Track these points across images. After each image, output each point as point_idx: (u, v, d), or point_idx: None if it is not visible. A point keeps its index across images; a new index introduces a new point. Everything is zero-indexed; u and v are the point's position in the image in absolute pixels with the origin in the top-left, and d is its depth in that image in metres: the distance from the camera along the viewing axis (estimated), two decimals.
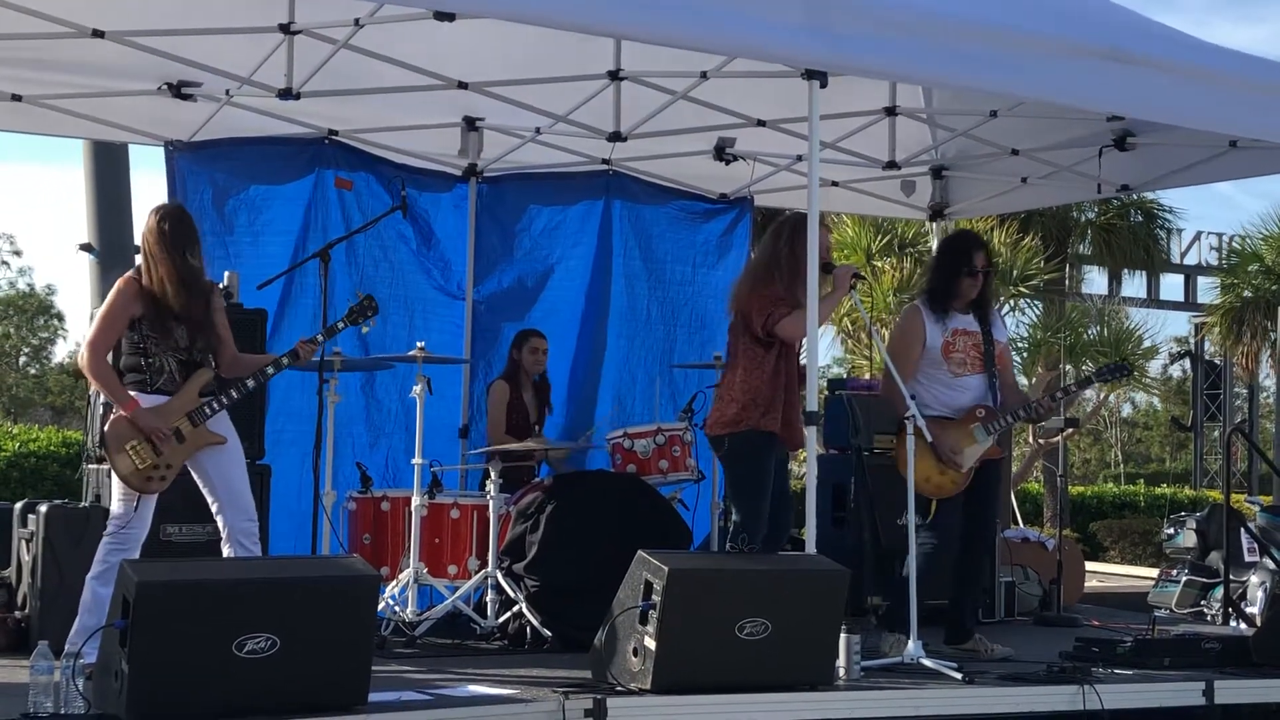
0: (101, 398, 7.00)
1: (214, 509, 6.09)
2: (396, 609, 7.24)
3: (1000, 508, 8.06)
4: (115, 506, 6.04)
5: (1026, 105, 8.45)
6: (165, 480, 6.00)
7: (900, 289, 18.20)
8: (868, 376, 12.34)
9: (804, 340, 6.57)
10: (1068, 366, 17.27)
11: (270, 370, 6.30)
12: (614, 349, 9.73)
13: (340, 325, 6.58)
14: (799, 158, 9.15)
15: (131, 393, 6.01)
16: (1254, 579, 9.65)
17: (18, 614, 6.90)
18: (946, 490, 7.15)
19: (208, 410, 6.05)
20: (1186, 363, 27.49)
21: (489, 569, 7.31)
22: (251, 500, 6.13)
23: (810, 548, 6.24)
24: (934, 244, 10.71)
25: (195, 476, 6.11)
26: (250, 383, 6.23)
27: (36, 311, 45.56)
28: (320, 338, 6.47)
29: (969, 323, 7.32)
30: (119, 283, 6.12)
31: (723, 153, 9.13)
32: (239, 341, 6.46)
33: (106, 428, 6.02)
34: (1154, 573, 12.14)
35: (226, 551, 6.04)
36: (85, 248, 12.37)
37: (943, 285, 7.30)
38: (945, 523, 7.18)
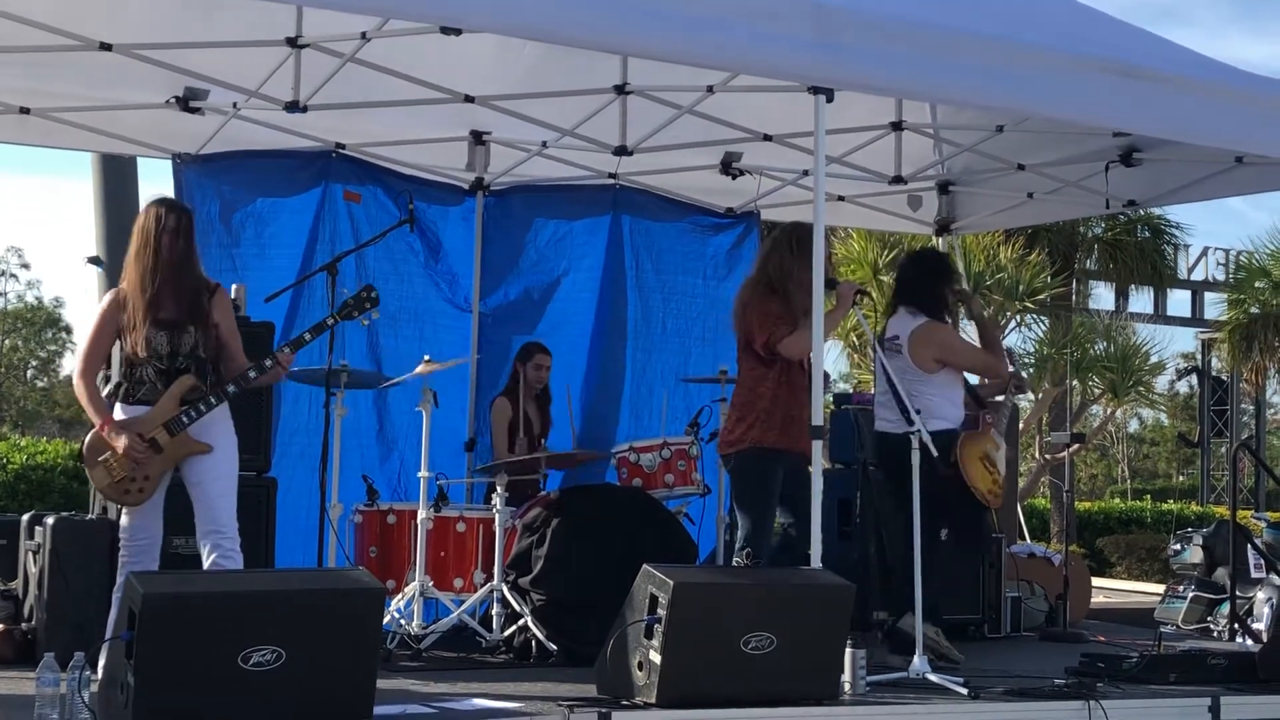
0: None
1: (195, 517, 5.98)
2: (402, 622, 7.23)
3: None
4: (121, 519, 6.03)
5: (1033, 120, 8.45)
6: (144, 492, 5.89)
7: None
8: (874, 391, 12.33)
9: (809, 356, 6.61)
10: (1074, 382, 17.25)
11: (252, 374, 6.03)
12: (631, 361, 9.74)
13: (329, 322, 6.35)
14: (805, 172, 9.15)
15: (116, 404, 5.93)
16: (1260, 595, 9.64)
17: (24, 626, 6.90)
18: (1000, 498, 7.31)
19: (184, 419, 5.89)
20: (1193, 378, 27.50)
21: (494, 582, 7.30)
22: (225, 510, 5.93)
23: (816, 562, 6.24)
24: None
25: (185, 484, 6.00)
26: (231, 388, 6.00)
27: (44, 324, 45.70)
28: (307, 336, 6.26)
29: None
30: (106, 295, 6.03)
31: (729, 167, 9.16)
32: (247, 352, 6.21)
33: (86, 441, 5.95)
34: (1160, 588, 12.12)
35: (204, 564, 5.91)
36: (93, 260, 12.41)
37: (942, 300, 7.43)
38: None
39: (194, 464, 5.96)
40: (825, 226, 6.47)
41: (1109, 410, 19.39)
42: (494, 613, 7.31)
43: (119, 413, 5.93)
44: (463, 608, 7.35)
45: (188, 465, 5.96)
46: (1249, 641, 8.70)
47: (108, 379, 6.92)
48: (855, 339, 16.95)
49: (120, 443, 5.83)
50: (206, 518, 5.93)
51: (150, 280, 5.88)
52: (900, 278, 7.72)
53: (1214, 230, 54.81)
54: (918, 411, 6.75)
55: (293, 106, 7.79)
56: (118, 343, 6.09)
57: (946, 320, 7.56)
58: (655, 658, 5.49)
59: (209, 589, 5.04)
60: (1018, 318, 18.07)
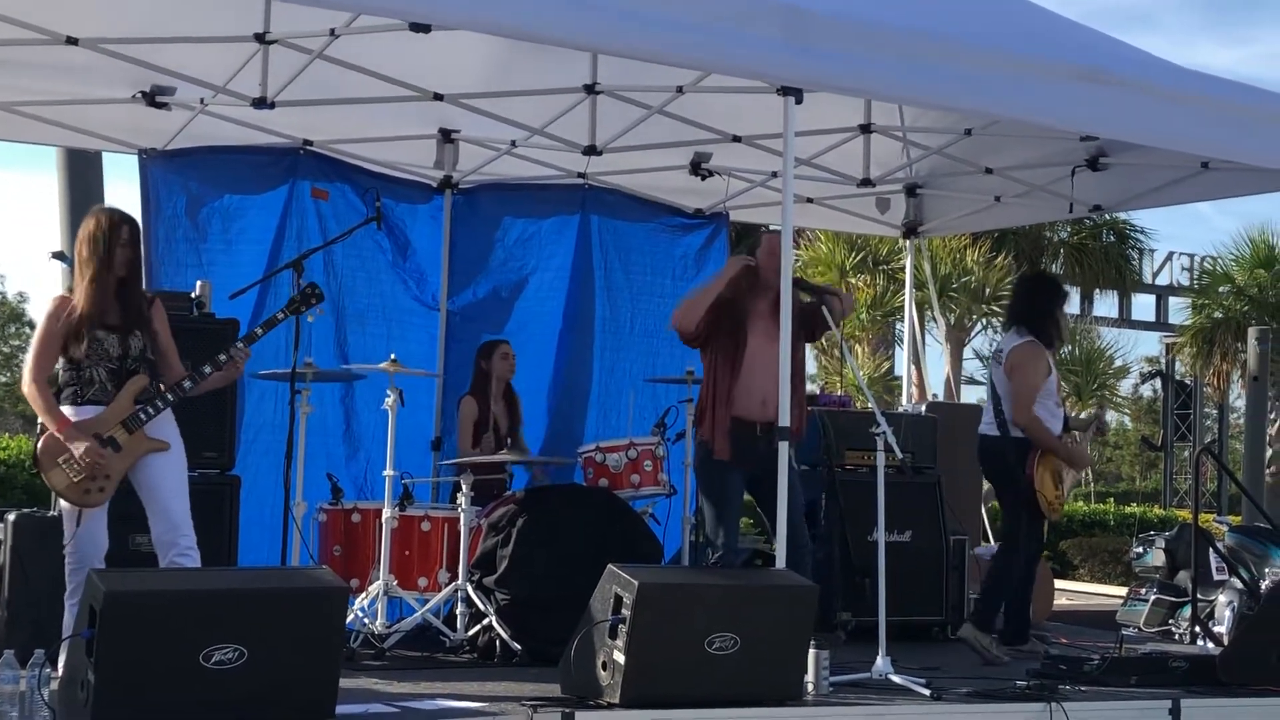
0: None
1: (149, 518, 5.95)
2: (366, 621, 7.21)
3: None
4: (65, 524, 5.96)
5: (1000, 124, 8.49)
6: (105, 492, 5.85)
7: (874, 305, 18.26)
8: (839, 392, 12.35)
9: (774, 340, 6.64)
10: None
11: (207, 370, 6.01)
12: (599, 361, 9.73)
13: (279, 317, 6.35)
14: (774, 174, 9.16)
15: (65, 406, 5.88)
16: (1222, 598, 9.67)
17: None
18: (1059, 513, 7.89)
19: (142, 416, 5.87)
20: (1157, 383, 27.62)
21: (459, 582, 7.28)
22: (180, 510, 5.91)
23: (781, 563, 6.24)
24: (907, 262, 10.77)
25: (134, 485, 5.95)
26: (187, 384, 5.97)
27: (8, 319, 45.31)
28: (259, 331, 6.25)
29: None
30: (52, 298, 6.01)
31: (698, 168, 9.16)
32: (211, 350, 6.22)
33: (40, 444, 5.88)
34: (1123, 591, 12.15)
35: (161, 564, 5.86)
36: (57, 256, 12.28)
37: (1049, 323, 7.77)
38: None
39: (147, 465, 5.92)
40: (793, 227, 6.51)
41: (1073, 413, 19.45)
42: (458, 612, 7.29)
43: (69, 414, 5.88)
44: (427, 607, 7.33)
45: (140, 467, 5.91)
46: (1210, 644, 8.74)
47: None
48: (823, 340, 16.99)
49: (79, 449, 5.77)
50: (163, 519, 5.89)
51: (99, 288, 5.88)
52: (1015, 299, 8.14)
53: (1180, 235, 55.29)
54: (884, 415, 6.87)
55: (260, 103, 7.76)
56: None
57: (1054, 344, 7.90)
58: (619, 658, 5.49)
59: (171, 587, 5.02)
60: (984, 320, 18.14)
